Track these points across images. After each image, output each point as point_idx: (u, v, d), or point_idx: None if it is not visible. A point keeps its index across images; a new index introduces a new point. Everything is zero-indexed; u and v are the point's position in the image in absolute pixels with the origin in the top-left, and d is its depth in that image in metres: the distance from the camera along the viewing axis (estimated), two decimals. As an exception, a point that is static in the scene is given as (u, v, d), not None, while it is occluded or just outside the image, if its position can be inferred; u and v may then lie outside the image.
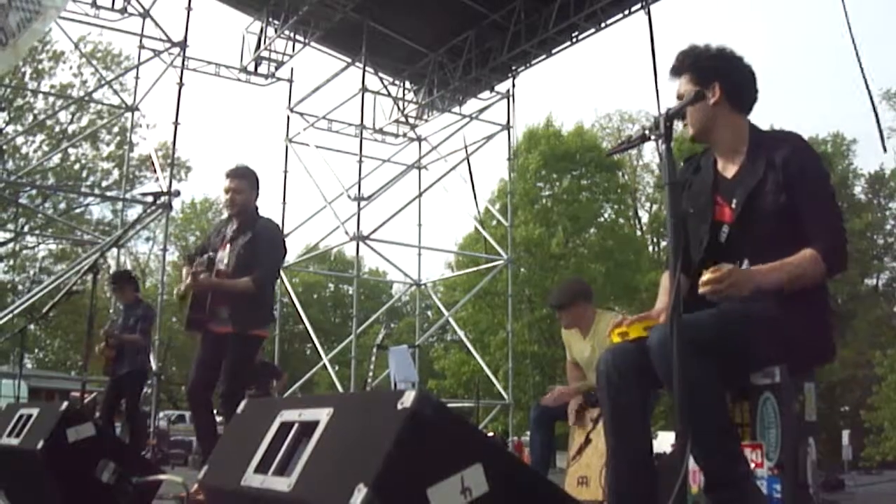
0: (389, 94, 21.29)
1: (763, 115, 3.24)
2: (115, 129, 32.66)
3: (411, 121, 21.76)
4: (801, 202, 2.96)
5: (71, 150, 33.26)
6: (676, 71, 3.24)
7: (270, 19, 18.55)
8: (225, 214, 6.42)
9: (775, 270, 2.88)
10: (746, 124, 3.20)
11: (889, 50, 53.59)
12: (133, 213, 22.89)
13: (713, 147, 3.26)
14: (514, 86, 20.40)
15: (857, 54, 10.98)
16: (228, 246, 5.93)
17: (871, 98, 11.17)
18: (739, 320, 2.95)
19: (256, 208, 6.08)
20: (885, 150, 12.13)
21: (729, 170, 3.19)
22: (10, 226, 31.61)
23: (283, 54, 19.40)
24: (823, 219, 2.94)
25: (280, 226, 6.43)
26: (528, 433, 6.82)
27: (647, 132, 2.71)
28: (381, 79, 20.76)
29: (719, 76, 3.17)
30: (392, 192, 20.77)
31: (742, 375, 3.03)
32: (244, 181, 6.00)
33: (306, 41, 18.58)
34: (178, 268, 43.87)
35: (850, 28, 11.12)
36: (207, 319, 5.84)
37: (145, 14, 17.59)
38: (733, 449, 2.83)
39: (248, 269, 5.78)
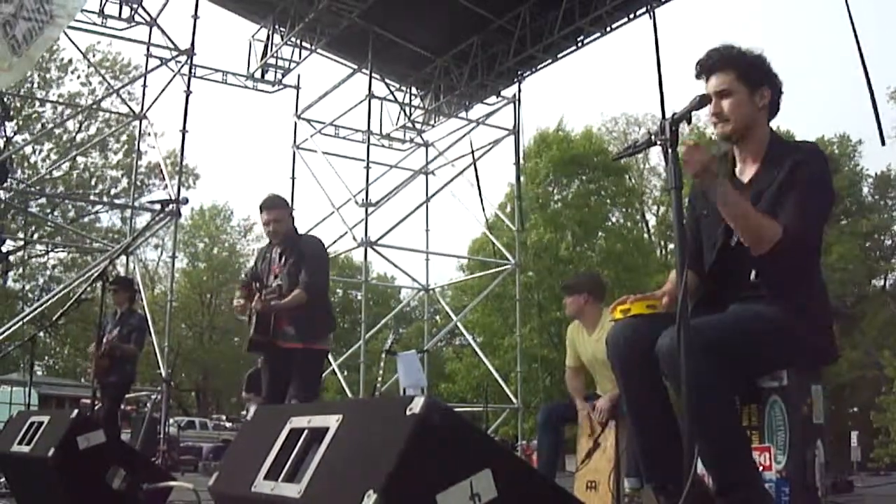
0: (396, 100, 21.31)
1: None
2: (124, 138, 32.81)
3: (418, 126, 21.79)
4: (788, 192, 2.98)
5: (79, 159, 33.38)
6: (716, 67, 3.19)
7: (277, 26, 18.60)
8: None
9: (742, 202, 2.91)
10: (768, 131, 3.23)
11: (896, 50, 53.48)
12: (142, 220, 22.90)
13: (741, 149, 3.25)
14: (520, 90, 20.45)
15: (859, 49, 10.97)
16: (278, 270, 6.16)
17: (871, 92, 11.14)
18: (748, 323, 2.97)
19: (295, 229, 6.32)
20: (883, 143, 12.25)
21: (746, 174, 3.20)
22: (20, 234, 31.68)
23: (290, 61, 19.44)
24: (799, 209, 2.94)
25: (320, 239, 6.68)
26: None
27: (653, 137, 2.73)
28: (387, 85, 20.79)
29: (769, 81, 3.19)
30: (399, 197, 20.85)
31: (750, 378, 3.05)
32: (280, 210, 6.22)
33: (313, 48, 18.60)
34: (186, 274, 44.03)
35: (853, 25, 11.12)
36: (272, 340, 6.02)
37: (152, 23, 17.63)
38: (743, 452, 2.84)
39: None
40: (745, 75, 3.15)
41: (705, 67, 3.22)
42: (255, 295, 5.98)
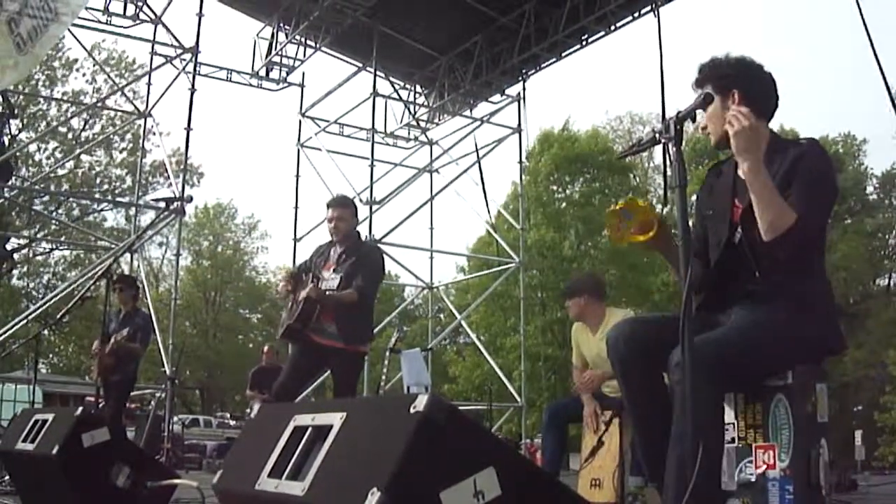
0: (400, 98, 21.31)
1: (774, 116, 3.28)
2: (128, 136, 32.84)
3: (422, 124, 21.78)
4: (792, 184, 2.99)
5: (84, 157, 33.43)
6: (699, 83, 3.28)
7: (281, 24, 18.58)
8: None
9: (769, 180, 2.94)
10: (766, 130, 3.22)
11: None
12: (146, 219, 22.95)
13: (724, 149, 3.27)
14: (524, 89, 20.39)
15: (871, 44, 10.87)
16: (334, 269, 6.28)
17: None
18: (752, 333, 2.98)
19: (358, 234, 6.58)
20: None
21: None
22: (25, 232, 31.73)
23: (295, 59, 19.42)
24: (805, 199, 2.95)
25: (381, 248, 6.86)
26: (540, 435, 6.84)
27: (657, 135, 2.73)
28: (391, 83, 20.79)
29: (738, 84, 3.22)
30: (404, 195, 20.76)
31: (759, 380, 3.06)
32: (346, 209, 6.42)
33: (317, 46, 18.59)
34: (190, 272, 44.09)
35: (864, 22, 11.03)
36: (309, 331, 6.10)
37: (157, 21, 17.64)
38: (717, 468, 2.86)
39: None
40: (717, 85, 3.22)
41: (695, 85, 3.31)
42: (303, 285, 6.13)
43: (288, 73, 19.89)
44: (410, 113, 21.44)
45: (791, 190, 2.97)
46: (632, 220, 3.15)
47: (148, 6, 17.47)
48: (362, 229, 17.92)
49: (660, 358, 2.92)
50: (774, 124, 3.33)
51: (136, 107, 19.79)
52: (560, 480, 2.29)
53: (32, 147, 31.24)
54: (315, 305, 6.01)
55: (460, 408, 2.06)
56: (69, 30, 15.30)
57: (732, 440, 3.07)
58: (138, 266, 18.26)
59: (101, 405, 8.21)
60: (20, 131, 29.97)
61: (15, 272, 34.36)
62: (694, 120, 2.87)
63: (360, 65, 19.73)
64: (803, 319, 2.97)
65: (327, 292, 6.05)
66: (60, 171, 32.42)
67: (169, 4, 17.66)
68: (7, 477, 5.94)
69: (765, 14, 70.06)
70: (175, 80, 17.99)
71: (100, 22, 17.10)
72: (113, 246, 19.24)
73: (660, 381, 3.11)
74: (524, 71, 19.42)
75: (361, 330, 6.28)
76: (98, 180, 35.01)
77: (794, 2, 69.28)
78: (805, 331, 2.98)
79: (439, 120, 21.72)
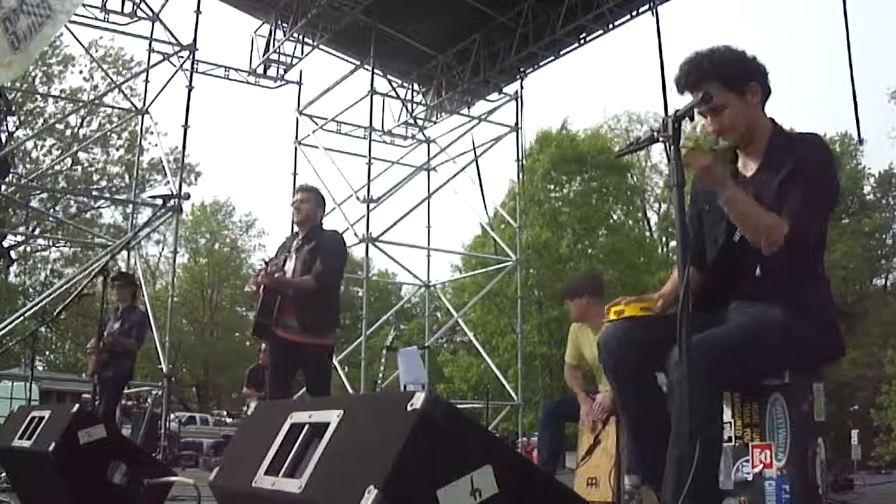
0: (398, 97, 21.32)
1: (772, 116, 3.23)
2: (126, 133, 32.76)
3: (420, 123, 21.79)
4: (792, 187, 2.93)
5: (81, 154, 33.35)
6: (696, 83, 3.06)
7: (279, 22, 18.60)
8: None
9: (747, 202, 2.88)
10: (767, 120, 3.15)
11: (898, 49, 53.35)
12: (143, 217, 22.93)
13: (746, 147, 3.16)
14: (522, 87, 20.45)
15: (849, 52, 11.01)
16: (294, 256, 6.25)
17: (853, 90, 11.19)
18: (751, 332, 2.96)
19: (321, 224, 6.49)
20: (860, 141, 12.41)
21: (749, 168, 3.15)
22: (22, 229, 31.67)
23: (292, 57, 19.44)
24: (803, 204, 2.90)
25: (343, 236, 6.76)
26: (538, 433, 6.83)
27: (655, 133, 2.70)
28: (389, 81, 20.79)
29: (753, 74, 3.12)
30: (401, 193, 20.84)
31: (756, 380, 3.04)
32: (309, 194, 6.44)
33: (315, 44, 18.61)
34: (187, 269, 44.04)
35: (846, 25, 11.15)
36: (274, 325, 6.04)
37: (155, 18, 17.63)
38: (714, 467, 2.86)
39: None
40: (728, 82, 3.06)
41: (686, 85, 3.12)
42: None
43: (285, 71, 19.92)
44: (408, 111, 21.46)
45: (789, 192, 2.93)
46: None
47: (145, 3, 17.49)
48: (360, 227, 18.12)
49: (654, 358, 2.90)
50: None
51: (133, 104, 19.79)
52: (556, 478, 2.29)
53: (29, 144, 31.22)
54: (275, 295, 5.96)
55: (457, 406, 2.05)
56: (66, 26, 15.27)
57: (729, 439, 3.07)
58: (135, 263, 18.27)
59: (96, 403, 8.20)
60: (17, 128, 29.92)
61: (12, 269, 34.33)
62: (692, 118, 2.83)
63: (358, 63, 19.73)
64: (803, 321, 2.93)
65: (276, 275, 6.00)
66: (57, 168, 32.37)
67: (167, 2, 17.69)
68: (4, 474, 5.93)
69: (763, 13, 70.02)
70: (172, 77, 18.00)
71: (97, 19, 17.11)
72: (110, 243, 19.24)
73: (653, 381, 3.09)
74: (522, 69, 19.44)
75: (324, 320, 6.14)
76: (95, 177, 34.96)
77: (792, 1, 69.26)
78: (805, 333, 2.94)
79: (437, 118, 21.75)
